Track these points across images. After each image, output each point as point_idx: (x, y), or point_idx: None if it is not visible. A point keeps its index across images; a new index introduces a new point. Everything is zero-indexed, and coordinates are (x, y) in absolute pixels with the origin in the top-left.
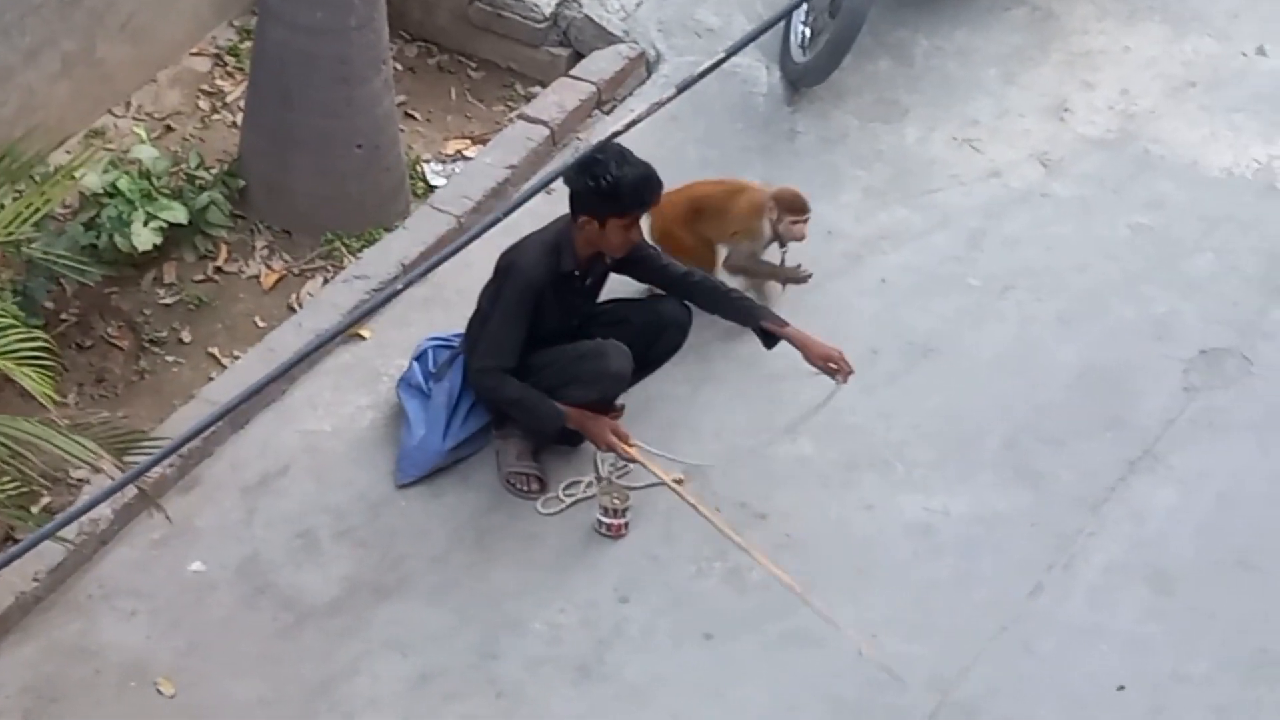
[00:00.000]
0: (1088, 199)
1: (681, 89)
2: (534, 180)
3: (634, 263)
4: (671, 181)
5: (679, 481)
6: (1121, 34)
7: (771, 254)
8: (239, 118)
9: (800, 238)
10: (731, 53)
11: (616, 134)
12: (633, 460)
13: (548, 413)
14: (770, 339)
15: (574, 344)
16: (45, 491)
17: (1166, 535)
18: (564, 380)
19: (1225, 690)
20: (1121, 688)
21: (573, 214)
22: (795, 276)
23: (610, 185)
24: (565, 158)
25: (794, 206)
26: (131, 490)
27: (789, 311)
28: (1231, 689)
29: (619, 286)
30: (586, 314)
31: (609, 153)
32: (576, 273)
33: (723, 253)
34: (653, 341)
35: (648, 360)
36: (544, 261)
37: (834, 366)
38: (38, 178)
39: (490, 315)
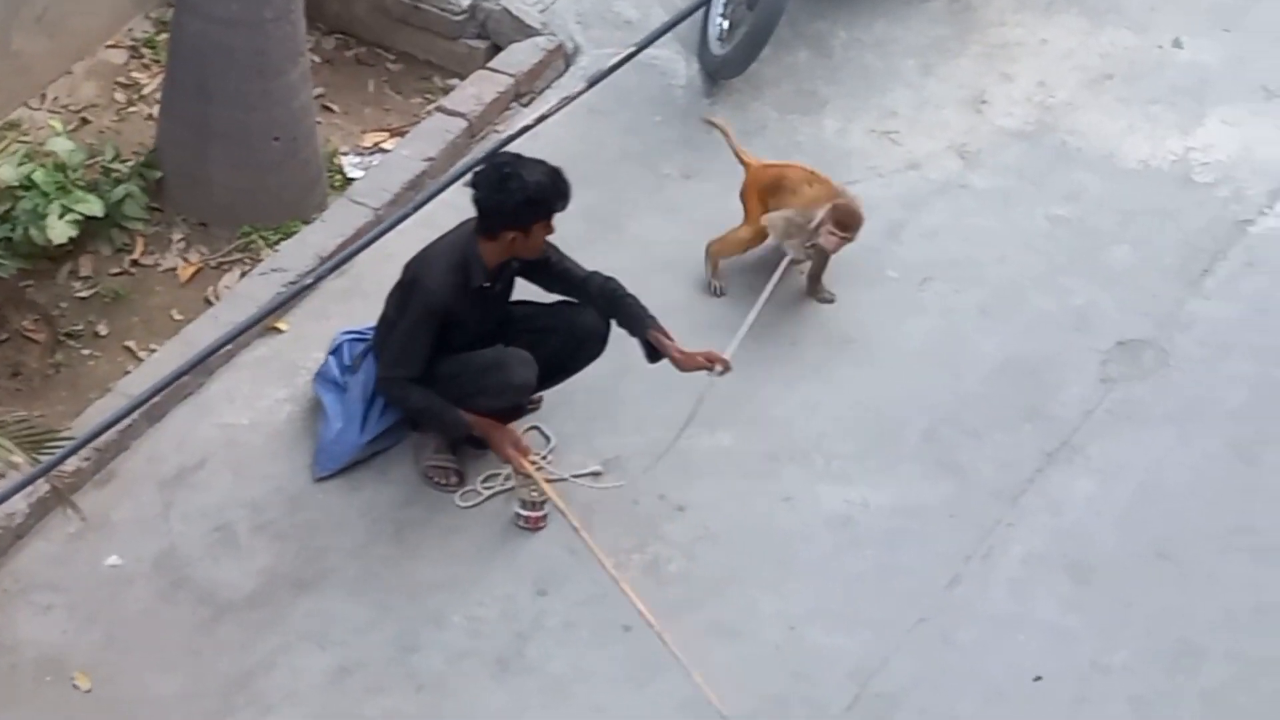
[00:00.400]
0: (1006, 190)
1: (593, 82)
2: (450, 172)
3: (539, 266)
4: (590, 175)
5: (596, 474)
6: (1039, 26)
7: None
8: (155, 110)
9: (829, 248)
10: (644, 45)
11: (527, 128)
12: (527, 475)
13: (452, 421)
14: (654, 353)
15: (480, 353)
16: None
17: (1085, 526)
18: (471, 391)
19: (1145, 680)
20: (1039, 678)
21: (490, 231)
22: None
23: (536, 191)
24: (481, 150)
25: (841, 221)
26: (47, 484)
27: (708, 300)
28: (1151, 679)
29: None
30: (503, 317)
31: (512, 163)
32: (487, 284)
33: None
34: (574, 352)
35: (565, 368)
36: (450, 280)
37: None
38: None
39: (396, 325)
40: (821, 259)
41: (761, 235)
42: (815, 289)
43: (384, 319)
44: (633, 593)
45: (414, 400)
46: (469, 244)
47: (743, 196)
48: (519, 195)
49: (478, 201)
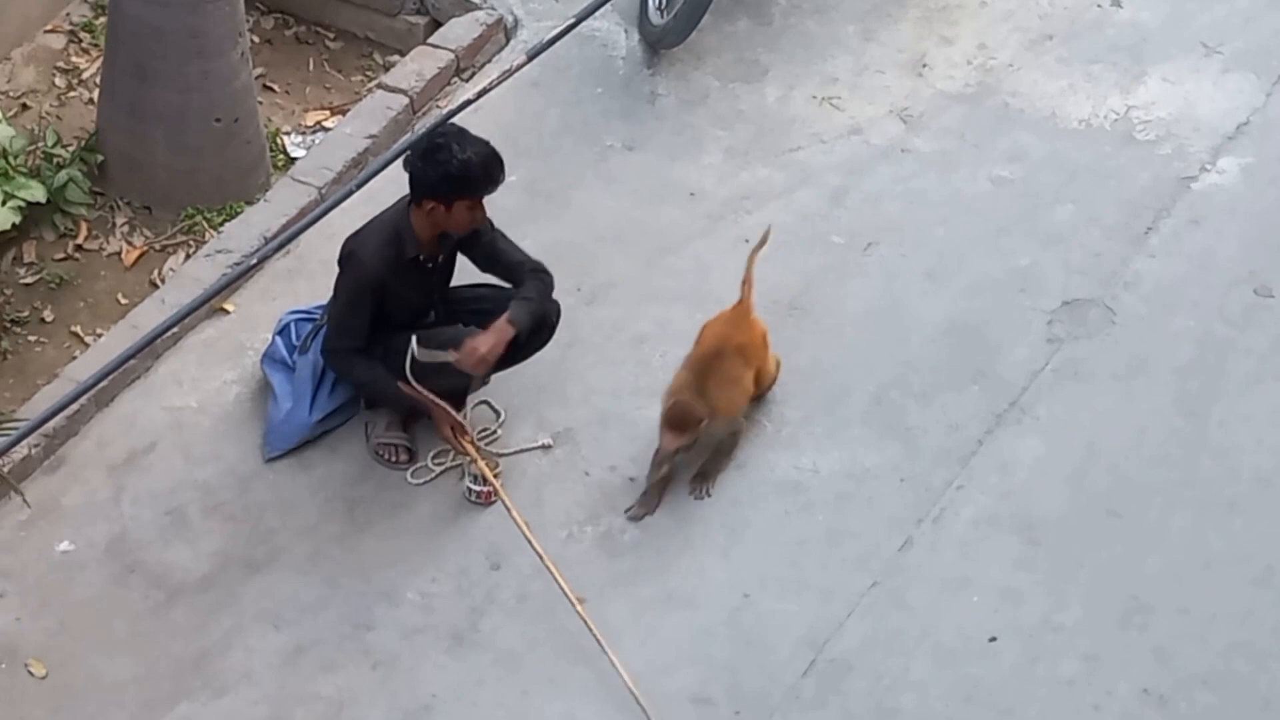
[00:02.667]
0: (948, 153)
1: (532, 55)
2: (393, 149)
3: (471, 241)
4: (532, 148)
5: (547, 447)
6: None
7: None
8: (95, 94)
9: (665, 449)
10: (583, 17)
11: (468, 103)
12: (464, 454)
13: (394, 395)
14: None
15: (440, 331)
16: None
17: (1034, 486)
18: (421, 373)
19: (1097, 637)
20: (993, 639)
21: (415, 199)
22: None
23: (459, 168)
24: (423, 126)
25: (670, 421)
26: None
27: (653, 270)
28: (1103, 636)
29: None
30: (448, 295)
31: (449, 135)
32: (421, 257)
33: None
34: (527, 339)
35: (515, 353)
36: (382, 252)
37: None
38: None
39: (335, 300)
40: (715, 449)
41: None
42: (698, 483)
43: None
44: (559, 575)
45: (358, 373)
46: (402, 217)
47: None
48: (442, 169)
49: (408, 166)
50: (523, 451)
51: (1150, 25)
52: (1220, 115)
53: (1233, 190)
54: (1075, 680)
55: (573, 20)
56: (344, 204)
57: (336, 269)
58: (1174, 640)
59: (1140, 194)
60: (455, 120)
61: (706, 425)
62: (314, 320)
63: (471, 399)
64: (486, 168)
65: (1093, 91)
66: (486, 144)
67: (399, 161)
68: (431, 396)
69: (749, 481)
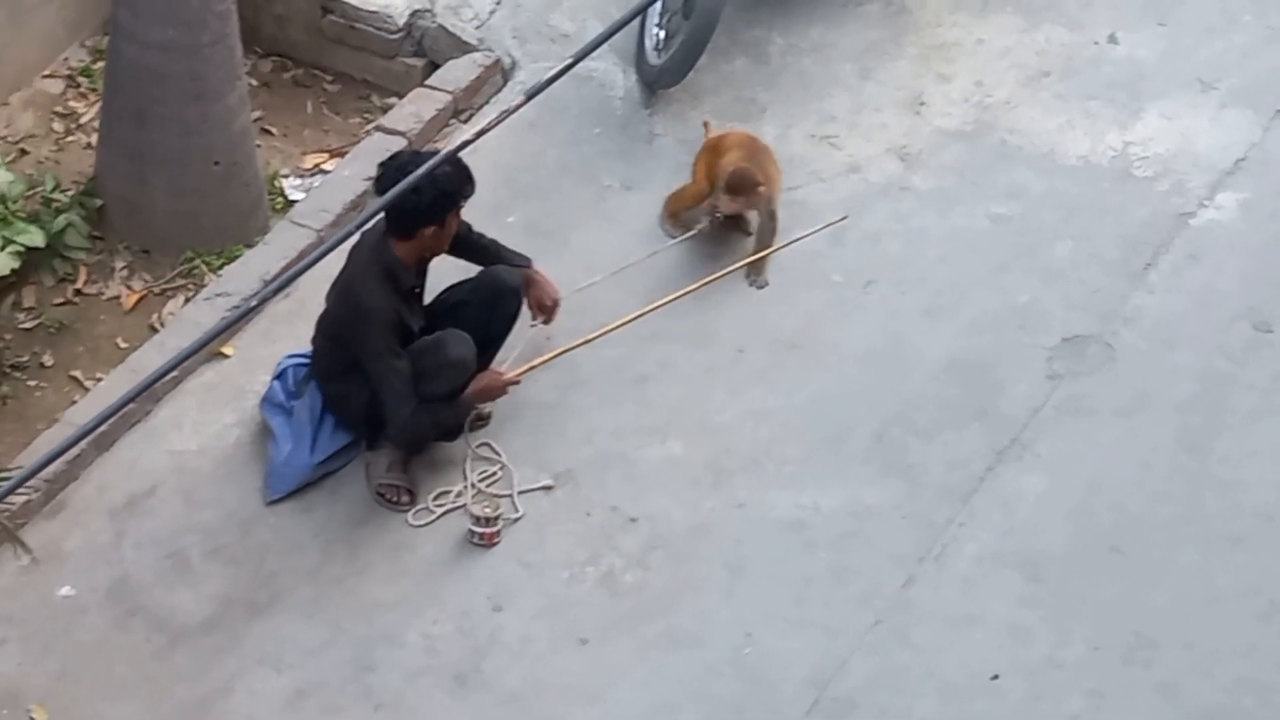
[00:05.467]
0: (947, 191)
1: (530, 96)
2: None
3: (459, 241)
4: (531, 188)
5: (548, 488)
6: (975, 26)
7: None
8: (94, 139)
9: (725, 211)
10: (580, 57)
11: (466, 143)
12: (533, 369)
13: (458, 415)
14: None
15: (417, 342)
16: None
17: (1036, 523)
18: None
19: (1100, 674)
20: (996, 676)
21: (405, 230)
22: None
23: (446, 183)
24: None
25: (731, 185)
26: None
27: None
28: (1106, 672)
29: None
30: (426, 313)
31: (413, 160)
32: (414, 285)
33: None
34: (491, 313)
35: (490, 334)
36: (385, 289)
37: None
38: None
39: (372, 370)
40: (758, 237)
41: (703, 193)
42: (752, 273)
43: (322, 350)
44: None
45: (441, 419)
46: (384, 252)
47: (696, 159)
48: (430, 191)
49: (403, 204)
50: (524, 492)
51: (1147, 61)
52: (1218, 151)
53: (1231, 226)
54: (1080, 717)
55: (570, 60)
56: (342, 246)
57: (323, 324)
58: (1179, 676)
59: (1139, 230)
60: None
61: (764, 192)
62: (309, 364)
63: (473, 440)
64: (461, 172)
65: (1090, 128)
66: (438, 152)
67: None
68: (476, 382)
69: (750, 520)
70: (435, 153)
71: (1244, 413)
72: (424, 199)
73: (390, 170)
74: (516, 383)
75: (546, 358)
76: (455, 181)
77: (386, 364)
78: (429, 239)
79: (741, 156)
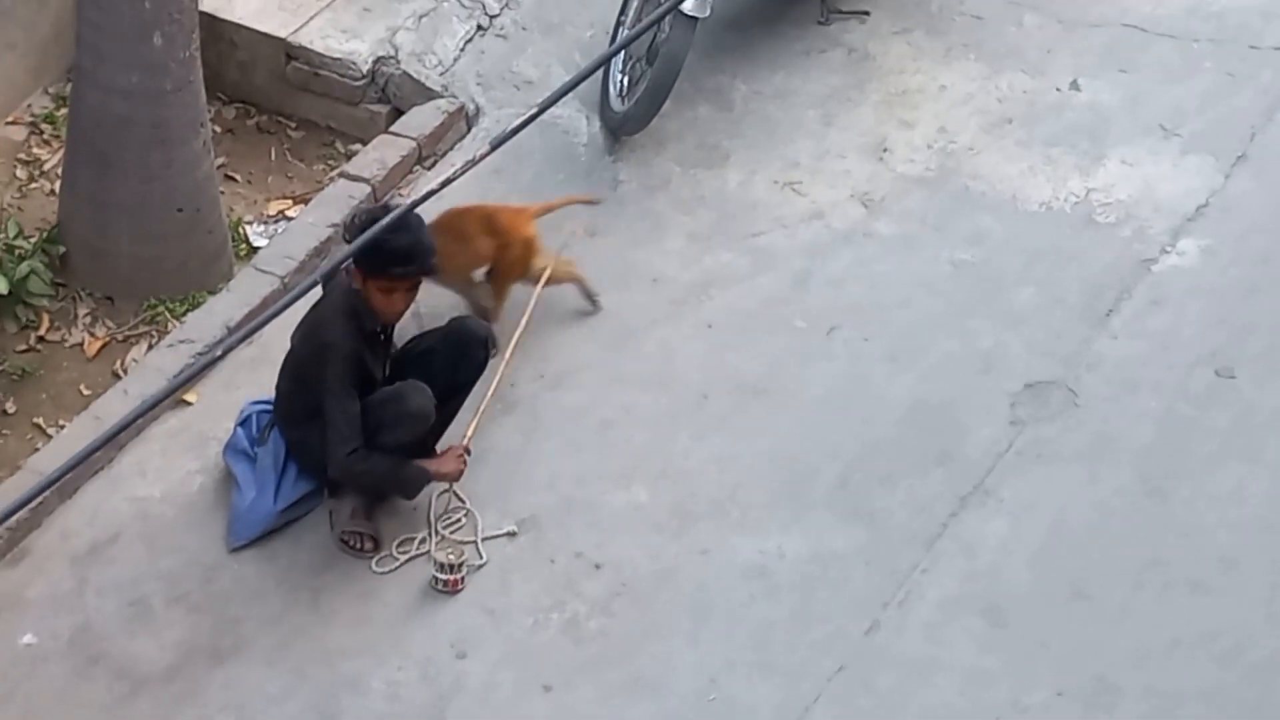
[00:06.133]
0: (910, 236)
1: (496, 145)
2: (358, 240)
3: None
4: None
5: (512, 534)
6: (938, 72)
7: None
8: (57, 185)
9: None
10: (546, 106)
11: (432, 192)
12: (469, 435)
13: (410, 475)
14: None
15: (378, 391)
16: None
17: (999, 568)
18: (372, 428)
19: (1064, 719)
20: None
21: (371, 272)
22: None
23: (388, 247)
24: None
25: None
26: None
27: (617, 355)
28: (1070, 717)
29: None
30: (392, 360)
31: (378, 212)
32: (379, 329)
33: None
34: (458, 362)
35: (458, 383)
36: (348, 328)
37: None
38: None
39: (323, 406)
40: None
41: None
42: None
43: (286, 394)
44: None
45: (377, 470)
46: (352, 294)
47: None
48: (375, 247)
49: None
50: (488, 539)
51: (1109, 108)
52: (1180, 197)
53: (1193, 271)
54: None
55: (537, 109)
56: (307, 293)
57: (288, 367)
58: None
59: (1101, 275)
60: (419, 210)
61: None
62: (272, 410)
63: (437, 487)
64: (401, 249)
65: (1053, 174)
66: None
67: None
68: (433, 460)
69: (714, 565)
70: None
71: (1205, 457)
72: (390, 245)
73: (360, 217)
74: (467, 451)
75: (480, 410)
76: (396, 252)
77: (337, 401)
78: (375, 293)
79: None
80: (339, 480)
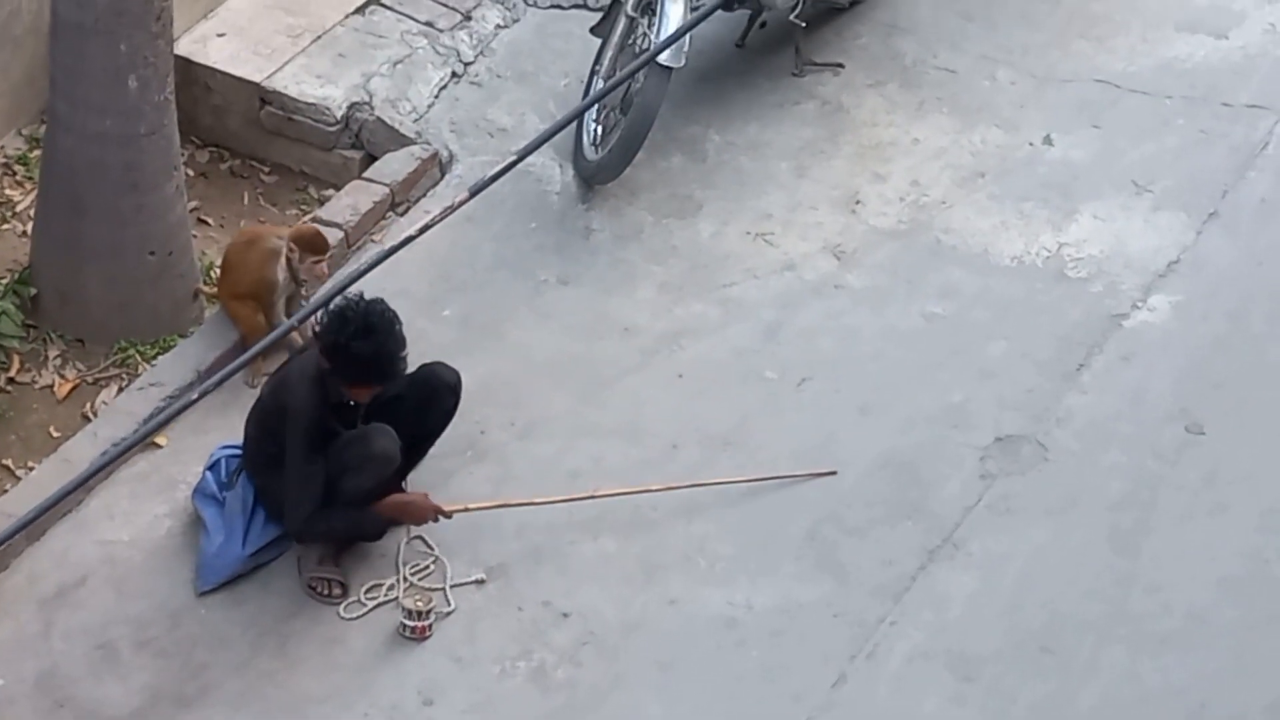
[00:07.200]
0: (881, 289)
1: (474, 192)
2: (327, 286)
3: None
4: (466, 282)
5: (480, 582)
6: (911, 126)
7: None
8: (29, 227)
9: (322, 277)
10: (524, 154)
11: (410, 239)
12: (464, 510)
13: (371, 523)
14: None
15: (341, 436)
16: None
17: (967, 622)
18: (336, 472)
19: None
20: None
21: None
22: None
23: (350, 352)
24: (358, 260)
25: (314, 246)
26: None
27: (587, 404)
28: None
29: None
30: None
31: (370, 311)
32: (346, 400)
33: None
34: (426, 409)
35: (425, 430)
36: (313, 395)
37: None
38: None
39: (285, 464)
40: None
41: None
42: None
43: (253, 440)
44: None
45: (336, 527)
46: (320, 364)
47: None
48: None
49: (318, 337)
50: (456, 586)
51: (1081, 163)
52: (1151, 253)
53: (1164, 327)
54: None
55: (516, 156)
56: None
57: (255, 415)
58: None
59: (1072, 331)
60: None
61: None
62: (241, 455)
63: (405, 534)
64: (363, 359)
65: (1024, 229)
66: (379, 339)
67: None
68: (404, 496)
69: (682, 617)
70: (387, 309)
71: (1175, 514)
72: (330, 350)
73: (332, 311)
74: (447, 515)
75: (486, 505)
76: (356, 359)
77: (296, 464)
78: (338, 381)
79: (256, 236)
80: (297, 540)
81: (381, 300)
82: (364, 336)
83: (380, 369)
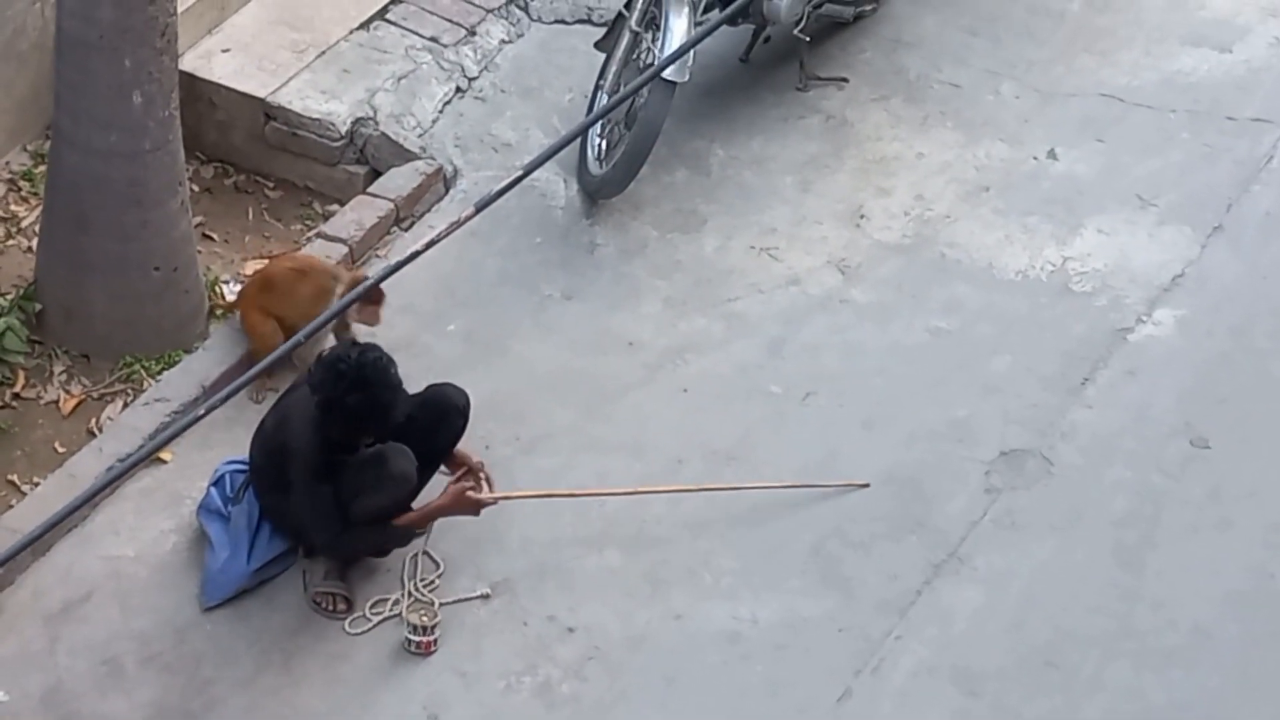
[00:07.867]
0: (885, 304)
1: (480, 207)
2: (336, 303)
3: None
4: (470, 297)
5: (485, 597)
6: (915, 140)
7: None
8: (34, 243)
9: (374, 323)
10: (530, 169)
11: (416, 254)
12: (509, 498)
13: (403, 532)
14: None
15: (358, 455)
16: None
17: (972, 636)
18: (353, 493)
19: None
20: None
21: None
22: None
23: (350, 409)
24: (372, 270)
25: (371, 295)
26: None
27: (592, 419)
28: None
29: None
30: None
31: (363, 360)
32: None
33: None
34: (435, 427)
35: (434, 450)
36: (315, 436)
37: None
38: None
39: (296, 499)
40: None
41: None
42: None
43: (259, 466)
44: None
45: (369, 541)
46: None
47: (242, 319)
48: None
49: (313, 390)
50: (461, 601)
51: (1086, 178)
52: (1155, 267)
53: (1168, 342)
54: None
55: (522, 172)
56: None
57: (259, 438)
58: None
59: (1077, 345)
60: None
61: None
62: (247, 471)
63: (410, 550)
64: (353, 415)
65: (1029, 243)
66: (382, 358)
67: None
68: (443, 500)
69: (687, 632)
70: (380, 358)
71: (1179, 528)
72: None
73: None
74: (488, 503)
75: (529, 493)
76: (346, 411)
77: (306, 494)
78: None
79: (311, 268)
80: (331, 557)
81: (375, 348)
82: (358, 390)
83: (374, 422)
